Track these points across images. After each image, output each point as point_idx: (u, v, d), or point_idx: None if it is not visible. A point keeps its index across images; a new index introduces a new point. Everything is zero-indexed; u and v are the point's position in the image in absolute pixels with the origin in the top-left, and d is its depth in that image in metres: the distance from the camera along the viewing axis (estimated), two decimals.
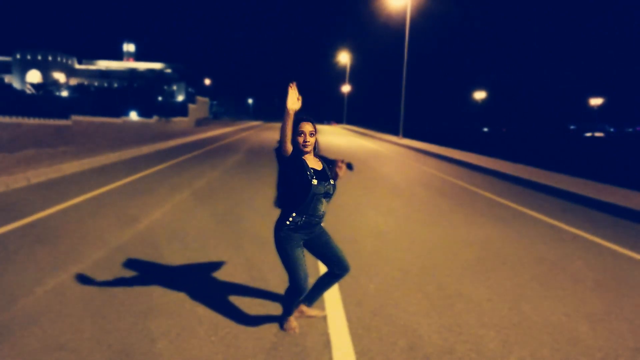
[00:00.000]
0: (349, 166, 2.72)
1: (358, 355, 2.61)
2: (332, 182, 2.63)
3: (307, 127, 2.61)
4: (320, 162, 2.71)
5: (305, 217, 2.61)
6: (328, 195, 2.64)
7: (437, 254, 4.72)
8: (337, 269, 2.81)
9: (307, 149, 2.61)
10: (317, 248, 2.79)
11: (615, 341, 2.95)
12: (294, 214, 2.61)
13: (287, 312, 2.90)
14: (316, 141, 2.71)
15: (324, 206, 2.65)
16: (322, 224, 2.80)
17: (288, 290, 2.78)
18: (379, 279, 3.89)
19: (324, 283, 2.91)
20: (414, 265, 4.30)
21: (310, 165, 2.62)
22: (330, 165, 2.70)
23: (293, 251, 2.64)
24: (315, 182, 2.55)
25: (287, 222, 2.63)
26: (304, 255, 2.69)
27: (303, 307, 3.04)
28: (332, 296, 3.44)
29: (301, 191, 2.55)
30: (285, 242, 2.64)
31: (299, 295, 2.73)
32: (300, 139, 2.59)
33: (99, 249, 4.40)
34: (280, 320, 2.96)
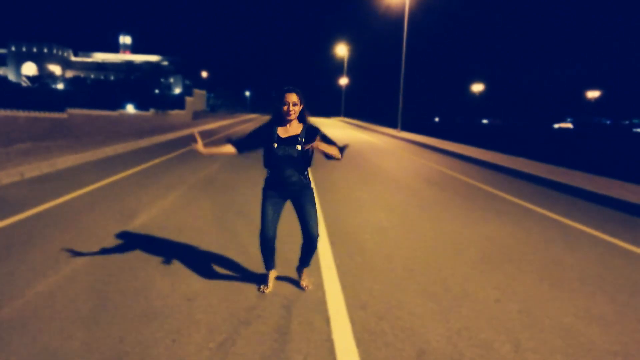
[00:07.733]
0: (341, 150, 2.99)
1: None
2: (298, 147, 2.90)
3: (290, 97, 2.87)
4: (300, 130, 2.98)
5: (274, 177, 3.02)
6: (291, 159, 2.92)
7: (441, 251, 4.59)
8: (304, 235, 3.08)
9: (290, 117, 2.91)
10: (296, 209, 3.12)
11: (630, 344, 2.84)
12: (268, 172, 3.07)
13: (265, 265, 3.35)
14: (303, 111, 2.98)
15: (293, 171, 2.96)
16: (310, 188, 3.10)
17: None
18: (383, 278, 3.76)
19: (304, 248, 3.23)
20: (418, 263, 4.17)
21: (283, 132, 2.96)
22: (311, 135, 2.95)
23: (264, 204, 3.07)
24: (275, 145, 2.92)
25: (264, 179, 3.12)
26: (275, 212, 3.06)
27: (304, 273, 3.45)
28: (335, 298, 3.30)
29: (266, 153, 3.01)
30: (262, 195, 3.12)
31: (261, 245, 3.14)
32: (285, 108, 2.89)
33: (93, 247, 4.25)
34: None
